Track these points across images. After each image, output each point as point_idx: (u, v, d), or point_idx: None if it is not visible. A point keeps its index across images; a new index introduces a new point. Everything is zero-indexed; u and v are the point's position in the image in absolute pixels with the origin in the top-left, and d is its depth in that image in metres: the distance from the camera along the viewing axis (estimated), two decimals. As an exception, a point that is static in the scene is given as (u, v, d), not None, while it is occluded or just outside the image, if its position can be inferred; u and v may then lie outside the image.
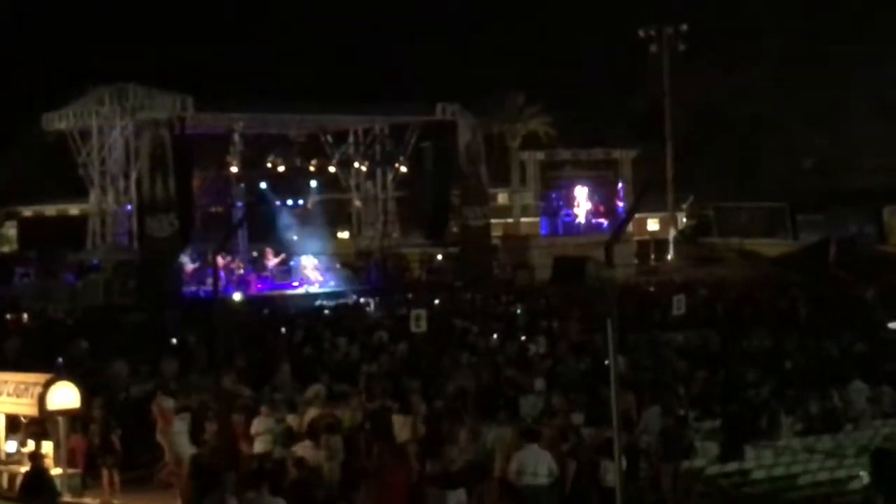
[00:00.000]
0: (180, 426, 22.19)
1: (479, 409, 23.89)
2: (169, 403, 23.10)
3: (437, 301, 43.39)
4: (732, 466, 20.63)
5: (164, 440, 21.96)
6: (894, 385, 24.59)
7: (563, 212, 63.39)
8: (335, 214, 60.99)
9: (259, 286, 49.26)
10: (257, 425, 22.25)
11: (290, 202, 55.30)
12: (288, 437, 21.70)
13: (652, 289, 48.23)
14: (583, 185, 63.80)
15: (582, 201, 63.64)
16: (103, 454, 22.05)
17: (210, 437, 21.45)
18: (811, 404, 23.31)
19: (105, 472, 21.96)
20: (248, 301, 45.11)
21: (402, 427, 23.14)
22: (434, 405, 23.78)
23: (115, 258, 49.24)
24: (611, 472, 17.18)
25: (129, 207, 50.73)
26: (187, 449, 21.49)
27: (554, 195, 64.08)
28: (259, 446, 21.92)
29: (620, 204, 62.31)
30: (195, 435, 22.18)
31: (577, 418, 22.50)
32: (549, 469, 19.03)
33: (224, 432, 20.92)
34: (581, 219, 63.34)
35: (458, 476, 18.89)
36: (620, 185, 63.09)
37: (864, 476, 17.91)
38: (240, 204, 51.99)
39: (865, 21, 75.62)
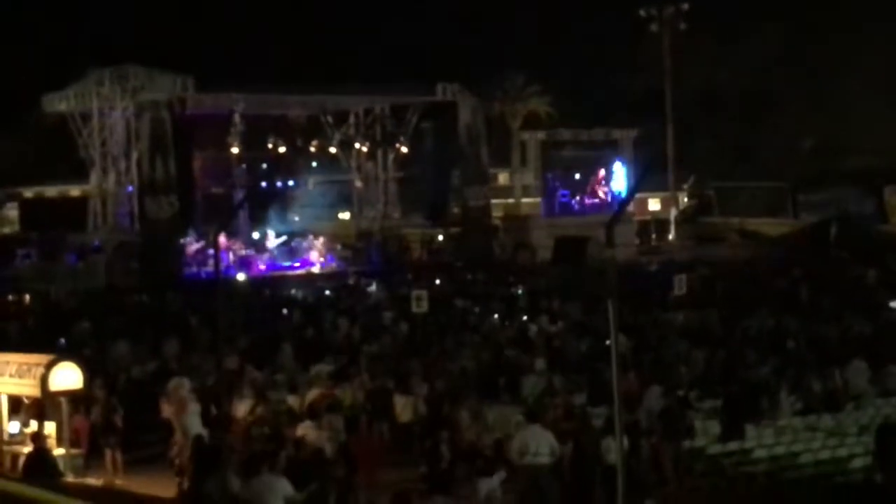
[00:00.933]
0: (193, 408, 22.17)
1: (480, 389, 23.96)
2: (186, 388, 22.96)
3: (437, 281, 43.40)
4: (733, 446, 20.67)
5: (177, 422, 21.82)
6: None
7: (559, 192, 63.14)
8: (336, 195, 60.97)
9: (260, 267, 49.28)
10: (244, 409, 22.16)
11: (290, 183, 55.30)
12: (289, 417, 21.75)
13: (653, 269, 48.23)
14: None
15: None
16: (106, 434, 22.09)
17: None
18: (812, 383, 23.34)
19: (108, 453, 22.01)
20: (251, 282, 45.17)
21: (403, 408, 23.22)
22: (436, 386, 23.84)
23: (116, 239, 49.25)
24: (612, 452, 17.21)
25: (130, 188, 50.73)
26: (198, 429, 21.46)
27: (550, 176, 63.68)
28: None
29: (613, 185, 61.98)
30: (203, 416, 22.18)
31: (579, 398, 22.56)
32: (551, 449, 19.07)
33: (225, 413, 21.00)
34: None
35: (490, 463, 18.90)
36: (617, 162, 62.69)
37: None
38: (241, 185, 51.97)
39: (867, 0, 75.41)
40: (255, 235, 51.53)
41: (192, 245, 48.28)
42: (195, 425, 21.30)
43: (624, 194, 60.93)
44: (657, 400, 21.68)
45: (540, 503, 18.92)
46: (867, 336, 28.76)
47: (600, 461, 18.72)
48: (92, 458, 22.11)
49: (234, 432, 21.49)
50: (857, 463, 19.69)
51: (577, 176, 62.97)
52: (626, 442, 16.08)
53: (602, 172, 62.69)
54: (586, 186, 62.69)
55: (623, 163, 62.81)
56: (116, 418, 22.23)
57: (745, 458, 20.46)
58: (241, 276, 45.41)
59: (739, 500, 19.48)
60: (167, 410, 22.50)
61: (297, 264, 50.49)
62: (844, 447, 20.58)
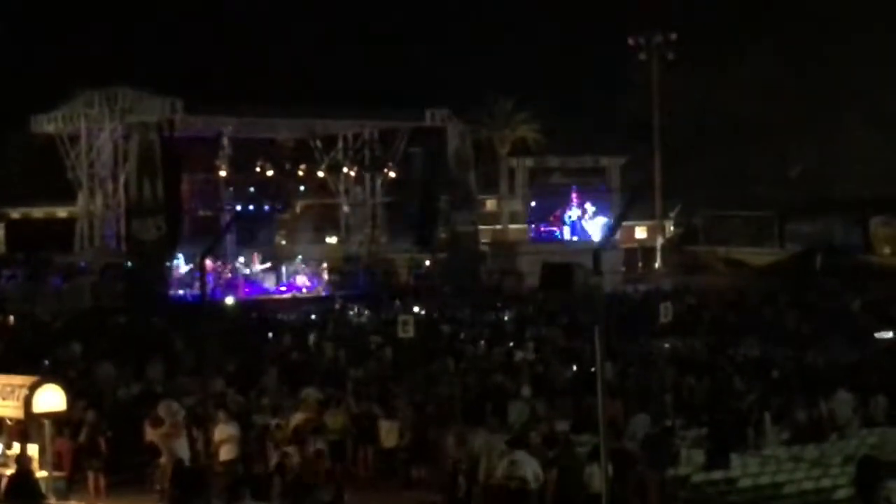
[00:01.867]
0: (185, 433, 21.98)
1: (466, 414, 23.91)
2: (182, 414, 22.70)
3: (424, 307, 43.37)
4: (718, 475, 20.65)
5: (164, 446, 21.63)
6: (887, 394, 24.57)
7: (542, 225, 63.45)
8: (323, 219, 60.95)
9: (247, 290, 49.19)
10: (219, 433, 21.98)
11: (278, 206, 55.27)
12: (273, 441, 21.67)
13: (639, 296, 48.27)
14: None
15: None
16: (89, 457, 21.97)
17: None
18: (798, 413, 23.34)
19: (91, 476, 21.88)
20: (237, 305, 45.09)
21: (388, 433, 23.17)
22: (424, 410, 23.80)
23: (102, 260, 49.14)
24: (597, 479, 17.19)
25: (119, 210, 50.71)
26: (185, 453, 21.33)
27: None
28: (224, 454, 21.71)
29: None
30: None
31: (563, 425, 22.52)
32: (535, 475, 19.04)
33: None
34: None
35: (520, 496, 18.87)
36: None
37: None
38: (228, 208, 51.92)
39: (855, 31, 75.79)
40: (242, 259, 51.44)
41: (182, 267, 48.23)
42: (181, 448, 21.20)
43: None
44: (643, 427, 21.65)
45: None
46: (852, 365, 28.81)
47: (584, 488, 18.68)
48: (75, 480, 21.98)
49: (217, 456, 21.39)
50: (841, 494, 19.68)
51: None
52: (610, 469, 16.08)
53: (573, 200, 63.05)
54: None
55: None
56: (100, 441, 22.11)
57: (730, 487, 20.44)
58: (229, 300, 45.32)
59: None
60: (151, 434, 22.34)
61: (284, 288, 50.42)
62: (828, 478, 20.57)
